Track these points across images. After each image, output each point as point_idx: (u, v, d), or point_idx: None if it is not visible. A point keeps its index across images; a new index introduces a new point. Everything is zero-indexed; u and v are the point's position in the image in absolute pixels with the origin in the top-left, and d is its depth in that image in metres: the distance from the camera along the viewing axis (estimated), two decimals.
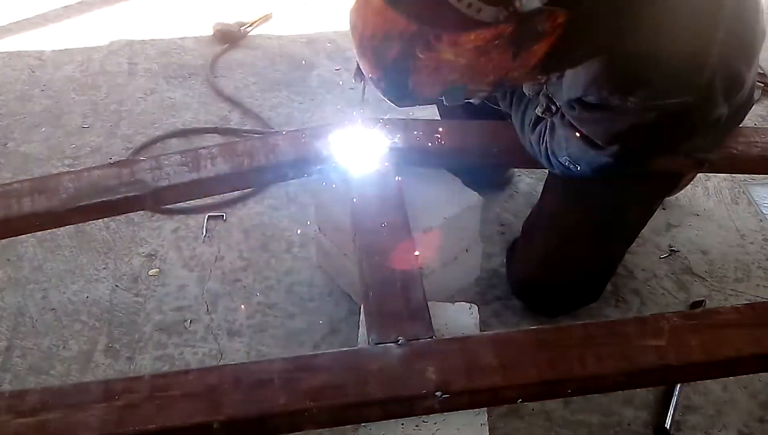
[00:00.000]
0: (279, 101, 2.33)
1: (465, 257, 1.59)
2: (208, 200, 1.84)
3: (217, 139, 2.14)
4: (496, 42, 1.02)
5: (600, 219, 1.47)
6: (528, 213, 1.66)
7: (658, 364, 1.10)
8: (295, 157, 1.47)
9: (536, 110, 1.34)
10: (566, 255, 1.51)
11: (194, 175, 1.41)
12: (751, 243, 1.82)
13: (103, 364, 1.51)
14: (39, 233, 1.73)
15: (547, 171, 1.53)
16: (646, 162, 1.37)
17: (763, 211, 1.90)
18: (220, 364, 1.49)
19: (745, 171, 1.77)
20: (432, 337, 1.13)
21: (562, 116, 1.28)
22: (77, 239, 1.80)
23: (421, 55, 1.04)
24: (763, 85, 2.32)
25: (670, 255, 1.77)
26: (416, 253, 1.31)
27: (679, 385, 1.44)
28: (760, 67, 2.26)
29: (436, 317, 1.19)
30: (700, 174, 1.89)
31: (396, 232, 1.34)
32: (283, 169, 1.48)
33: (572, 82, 1.20)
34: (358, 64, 1.18)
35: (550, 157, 1.34)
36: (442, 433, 1.07)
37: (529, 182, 1.98)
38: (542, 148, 1.35)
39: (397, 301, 1.20)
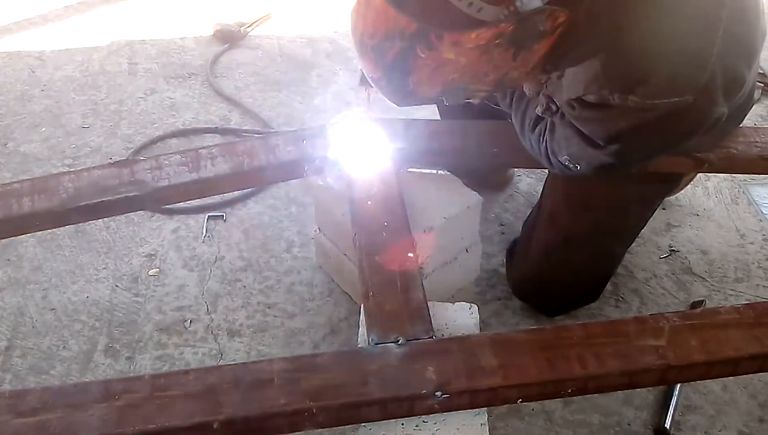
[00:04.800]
0: (279, 101, 2.33)
1: (465, 257, 1.59)
2: (208, 200, 1.84)
3: (217, 139, 2.15)
4: (497, 41, 1.02)
5: (600, 219, 1.46)
6: (528, 213, 1.66)
7: (658, 364, 1.10)
8: (295, 157, 1.46)
9: (536, 110, 1.34)
10: (566, 255, 1.51)
11: (194, 175, 1.41)
12: (751, 243, 1.82)
13: (103, 364, 1.51)
14: (39, 233, 1.73)
15: (547, 171, 1.53)
16: (647, 161, 1.37)
17: (763, 211, 1.90)
18: (220, 364, 1.49)
19: (745, 171, 1.76)
20: (432, 337, 1.13)
21: (562, 116, 1.27)
22: (77, 239, 1.80)
23: (421, 55, 1.04)
24: (763, 85, 2.32)
25: (670, 255, 1.77)
26: (416, 253, 1.30)
27: (679, 385, 1.44)
28: (760, 67, 2.26)
29: (436, 317, 1.19)
30: (700, 174, 1.89)
31: (396, 232, 1.33)
32: (283, 169, 1.47)
33: (572, 81, 1.20)
34: (362, 72, 1.17)
35: (550, 157, 1.34)
36: (442, 433, 1.07)
37: (529, 182, 1.98)
38: (542, 148, 1.35)
39: (397, 301, 1.20)
